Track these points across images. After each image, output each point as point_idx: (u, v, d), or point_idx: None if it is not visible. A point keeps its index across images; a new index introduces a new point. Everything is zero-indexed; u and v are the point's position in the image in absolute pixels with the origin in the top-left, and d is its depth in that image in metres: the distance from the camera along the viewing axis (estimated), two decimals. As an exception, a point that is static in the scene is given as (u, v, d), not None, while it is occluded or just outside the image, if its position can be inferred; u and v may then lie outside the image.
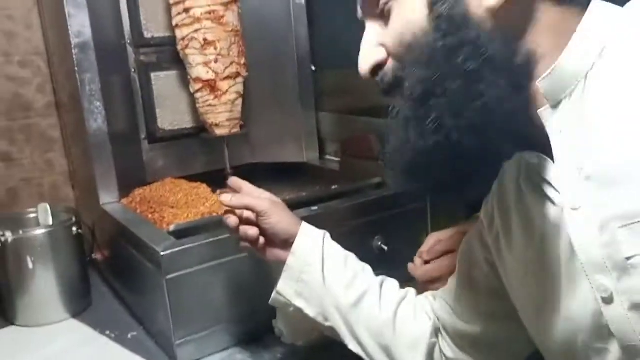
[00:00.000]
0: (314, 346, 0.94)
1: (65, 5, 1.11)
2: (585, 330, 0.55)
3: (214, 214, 1.08)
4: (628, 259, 0.49)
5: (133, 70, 1.33)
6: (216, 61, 1.21)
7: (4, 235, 1.05)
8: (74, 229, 1.13)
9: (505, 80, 0.50)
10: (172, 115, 1.38)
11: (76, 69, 1.13)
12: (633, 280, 0.49)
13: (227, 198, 0.82)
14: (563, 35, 0.52)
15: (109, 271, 1.27)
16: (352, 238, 0.96)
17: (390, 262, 0.96)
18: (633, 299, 0.50)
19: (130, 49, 1.32)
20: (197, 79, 1.23)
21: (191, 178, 1.30)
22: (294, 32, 1.45)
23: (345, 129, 1.46)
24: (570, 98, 0.53)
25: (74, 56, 1.12)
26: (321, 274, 0.80)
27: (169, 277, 0.91)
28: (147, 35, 1.32)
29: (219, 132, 1.28)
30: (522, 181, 0.60)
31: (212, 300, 0.96)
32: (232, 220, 0.81)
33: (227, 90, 1.24)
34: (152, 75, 1.34)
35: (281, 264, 0.82)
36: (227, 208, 0.83)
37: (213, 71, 1.21)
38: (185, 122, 1.39)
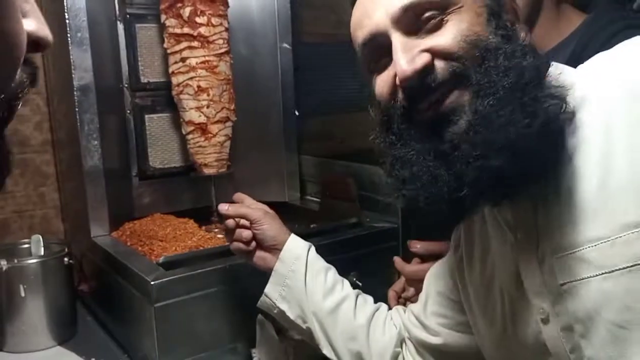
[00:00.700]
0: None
1: (70, 50, 1.20)
2: (528, 347, 0.64)
3: (201, 248, 1.15)
4: (562, 285, 0.58)
5: (128, 111, 1.42)
6: (208, 106, 1.30)
7: (-1, 263, 1.11)
8: (66, 259, 1.19)
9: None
10: (162, 154, 1.46)
11: (77, 109, 1.21)
12: (565, 304, 0.58)
13: (224, 207, 0.95)
14: None
15: (95, 301, 1.32)
16: (329, 273, 1.04)
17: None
18: (564, 320, 0.59)
19: (127, 92, 1.41)
20: (190, 122, 1.32)
21: (178, 214, 1.38)
22: (279, 80, 1.57)
23: (325, 172, 1.55)
24: None
25: (76, 97, 1.21)
26: (303, 281, 0.91)
27: (157, 305, 0.97)
28: (144, 80, 1.41)
29: (207, 171, 1.36)
30: (487, 211, 0.69)
31: (197, 329, 1.02)
32: (230, 222, 0.94)
33: (217, 133, 1.33)
34: (146, 117, 1.43)
35: (267, 268, 0.93)
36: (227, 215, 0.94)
37: (205, 115, 1.31)
38: (174, 161, 1.48)
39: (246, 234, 0.93)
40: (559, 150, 0.58)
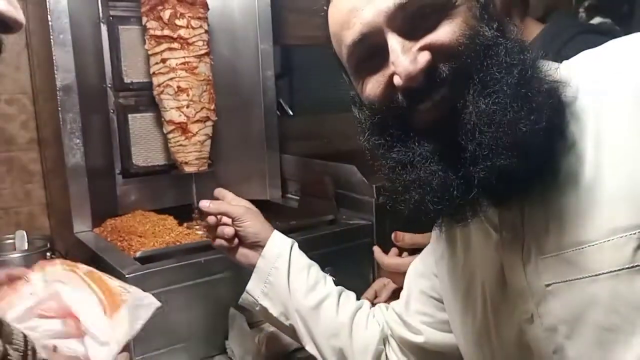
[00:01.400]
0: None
1: (53, 51, 1.24)
2: (510, 347, 0.65)
3: (178, 243, 1.19)
4: (547, 285, 0.58)
5: (112, 111, 1.45)
6: (188, 106, 1.34)
7: (-18, 257, 1.15)
8: (48, 254, 1.23)
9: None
10: (145, 152, 1.50)
11: (59, 108, 1.25)
12: (549, 305, 0.59)
13: (205, 204, 0.94)
14: None
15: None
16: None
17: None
18: (548, 321, 0.59)
19: (110, 92, 1.44)
20: (170, 122, 1.36)
21: (160, 211, 1.41)
22: (261, 81, 1.60)
23: (306, 171, 1.59)
24: None
25: (58, 97, 1.24)
26: (286, 278, 0.90)
27: (132, 297, 1.01)
28: (127, 80, 1.45)
29: (187, 169, 1.40)
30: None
31: (172, 321, 1.06)
32: (211, 218, 0.94)
33: (197, 132, 1.37)
34: (130, 116, 1.46)
35: (249, 265, 0.93)
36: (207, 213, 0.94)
37: (185, 115, 1.34)
38: (157, 159, 1.51)
39: (228, 230, 0.92)
40: (562, 145, 0.57)
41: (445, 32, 0.57)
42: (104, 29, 1.41)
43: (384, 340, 0.89)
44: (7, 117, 1.52)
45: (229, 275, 1.10)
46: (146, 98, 1.45)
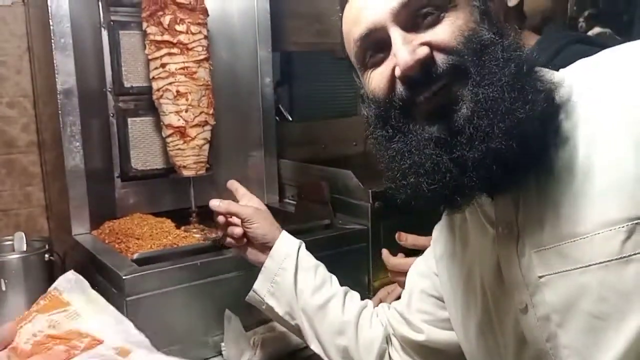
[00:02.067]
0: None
1: (53, 55, 1.25)
2: (506, 338, 0.68)
3: (175, 246, 1.20)
4: (540, 277, 0.61)
5: (112, 115, 1.47)
6: (187, 111, 1.35)
7: (-19, 258, 1.16)
8: (46, 256, 1.24)
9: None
10: (145, 156, 1.51)
11: (60, 112, 1.26)
12: (542, 296, 0.62)
13: (216, 203, 0.97)
14: None
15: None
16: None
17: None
18: (541, 311, 0.62)
19: (110, 96, 1.46)
20: (169, 126, 1.37)
21: (159, 214, 1.42)
22: (260, 86, 1.62)
23: (303, 176, 1.61)
24: None
25: (59, 101, 1.26)
26: (293, 278, 0.93)
27: (129, 299, 1.02)
28: (127, 84, 1.46)
29: (186, 173, 1.41)
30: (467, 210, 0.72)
31: (168, 323, 1.07)
32: (220, 218, 0.98)
33: (195, 136, 1.38)
34: (129, 120, 1.48)
35: (259, 263, 0.96)
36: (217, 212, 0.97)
37: (183, 119, 1.36)
38: (156, 163, 1.52)
39: (237, 231, 0.96)
40: (554, 138, 0.61)
41: (444, 31, 0.61)
42: (104, 33, 1.43)
43: (387, 339, 0.92)
44: (8, 120, 1.53)
45: (225, 278, 1.11)
46: (146, 102, 1.46)
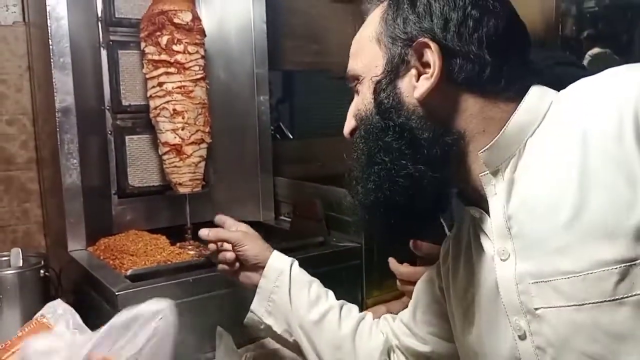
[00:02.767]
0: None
1: (53, 73, 1.28)
2: (503, 359, 0.68)
3: (169, 262, 1.21)
4: (536, 309, 0.62)
5: (110, 132, 1.49)
6: (183, 129, 1.37)
7: (-23, 273, 1.17)
8: (42, 271, 1.25)
9: (425, 157, 0.65)
10: (141, 173, 1.53)
11: (58, 129, 1.28)
12: (540, 326, 0.62)
13: (205, 233, 1.00)
14: (488, 120, 0.65)
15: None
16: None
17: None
18: (538, 340, 0.62)
19: (108, 114, 1.48)
20: (166, 143, 1.39)
21: (155, 231, 1.44)
22: (256, 105, 1.64)
23: (298, 193, 1.62)
24: (507, 167, 0.65)
25: (57, 118, 1.28)
26: (288, 295, 0.94)
27: (122, 315, 1.03)
28: (125, 102, 1.49)
29: (182, 190, 1.43)
30: (471, 229, 0.74)
31: (160, 339, 1.07)
32: (212, 246, 1.00)
33: (191, 154, 1.40)
34: (127, 137, 1.50)
35: (253, 286, 0.97)
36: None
37: (180, 137, 1.38)
38: (153, 180, 1.54)
39: (229, 255, 0.97)
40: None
41: (353, 104, 0.73)
42: (103, 53, 1.46)
43: (389, 350, 0.92)
44: (8, 137, 1.55)
45: (217, 294, 1.12)
46: (143, 120, 1.49)
